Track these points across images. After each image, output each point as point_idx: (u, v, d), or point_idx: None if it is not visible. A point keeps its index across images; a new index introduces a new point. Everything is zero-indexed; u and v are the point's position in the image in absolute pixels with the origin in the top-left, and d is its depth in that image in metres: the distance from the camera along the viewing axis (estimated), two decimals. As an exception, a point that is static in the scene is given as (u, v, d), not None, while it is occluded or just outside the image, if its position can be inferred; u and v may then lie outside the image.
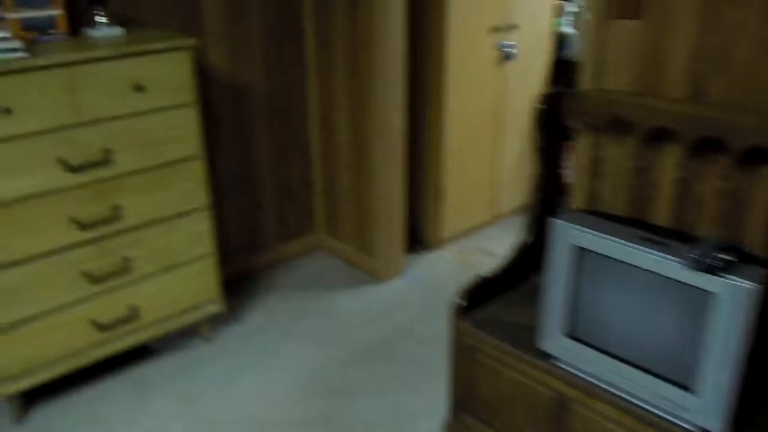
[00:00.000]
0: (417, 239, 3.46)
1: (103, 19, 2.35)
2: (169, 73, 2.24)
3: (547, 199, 2.08)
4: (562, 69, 3.71)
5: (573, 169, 2.05)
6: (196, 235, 2.48)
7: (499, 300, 2.05)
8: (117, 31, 2.36)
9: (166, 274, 2.45)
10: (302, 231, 3.41)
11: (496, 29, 3.28)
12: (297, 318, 2.91)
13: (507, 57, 3.36)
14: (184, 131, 2.34)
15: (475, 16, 3.17)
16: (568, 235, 1.67)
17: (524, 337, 1.86)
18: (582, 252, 1.66)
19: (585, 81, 1.90)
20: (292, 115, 3.17)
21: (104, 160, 2.18)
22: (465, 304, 1.96)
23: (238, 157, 3.03)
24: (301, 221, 3.39)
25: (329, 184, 3.32)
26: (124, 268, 2.33)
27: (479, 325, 1.94)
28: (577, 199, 2.01)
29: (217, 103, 2.87)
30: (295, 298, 3.05)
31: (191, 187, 2.41)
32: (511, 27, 3.34)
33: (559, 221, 1.69)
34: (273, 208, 3.24)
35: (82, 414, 2.36)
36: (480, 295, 2.00)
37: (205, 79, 2.77)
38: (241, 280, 3.17)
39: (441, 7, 3.02)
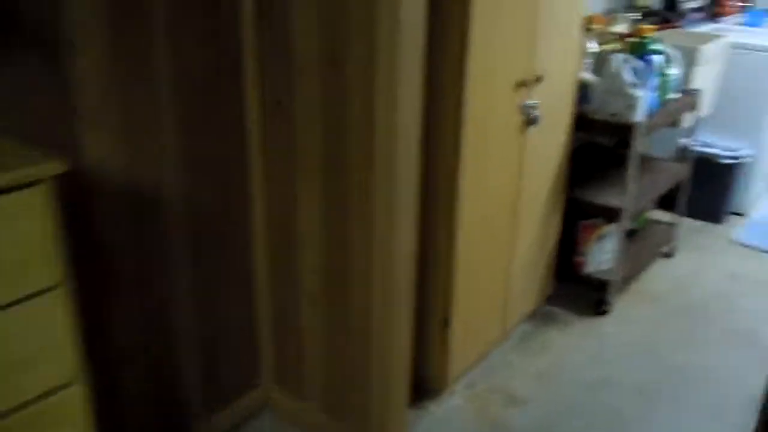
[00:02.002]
0: (416, 384, 2.38)
1: None
2: (7, 234, 1.05)
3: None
4: (585, 127, 2.76)
5: None
6: None
7: None
8: None
9: None
10: (242, 389, 2.25)
11: (522, 84, 2.27)
12: None
13: (531, 121, 2.35)
14: (41, 345, 1.14)
15: (500, 67, 2.14)
16: None
17: None
18: None
19: None
20: (227, 229, 2.00)
21: None
22: None
23: (144, 308, 1.83)
24: (239, 377, 2.22)
25: (283, 320, 2.18)
26: None
27: None
28: None
29: (105, 227, 1.66)
30: None
31: (63, 441, 1.22)
32: (538, 79, 2.34)
33: None
34: (197, 367, 2.06)
35: None
36: None
37: (81, 189, 1.56)
38: (153, 493, 1.97)
39: (460, 58, 1.96)
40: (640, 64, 2.64)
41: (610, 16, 3.62)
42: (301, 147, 1.88)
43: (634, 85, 2.63)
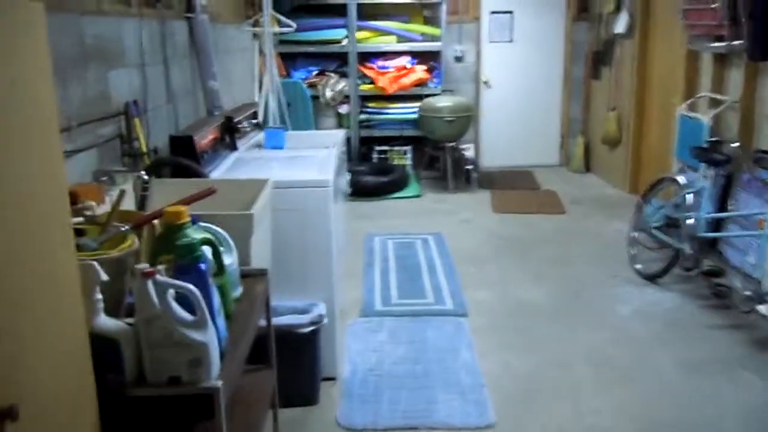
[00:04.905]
0: None
1: None
2: None
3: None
4: (122, 414, 1.57)
5: None
6: None
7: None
8: None
9: None
10: None
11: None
12: None
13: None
14: None
15: None
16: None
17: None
18: None
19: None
20: None
21: None
22: None
23: None
24: None
25: None
26: None
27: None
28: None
29: None
30: None
31: None
32: (8, 417, 1.05)
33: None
34: None
35: None
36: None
37: None
38: None
39: None
40: (189, 286, 1.55)
41: (103, 180, 2.49)
42: None
43: (195, 324, 1.54)
